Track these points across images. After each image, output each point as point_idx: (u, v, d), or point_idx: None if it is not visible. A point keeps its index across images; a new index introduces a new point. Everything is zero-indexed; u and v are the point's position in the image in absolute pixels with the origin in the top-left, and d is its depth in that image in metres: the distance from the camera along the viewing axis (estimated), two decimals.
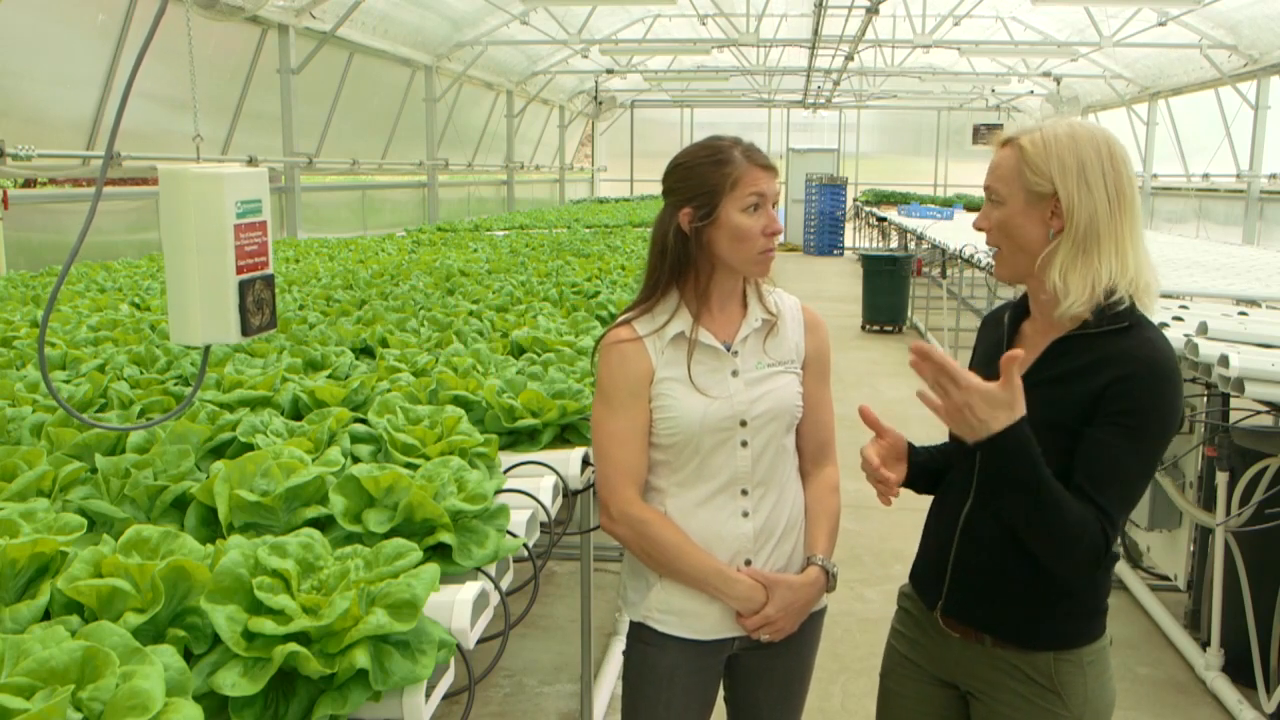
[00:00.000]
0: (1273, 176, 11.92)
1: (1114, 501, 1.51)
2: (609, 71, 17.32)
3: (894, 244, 15.29)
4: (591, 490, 2.27)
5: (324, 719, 1.21)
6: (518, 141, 16.68)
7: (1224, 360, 2.96)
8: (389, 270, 5.54)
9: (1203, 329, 3.39)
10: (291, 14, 9.09)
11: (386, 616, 1.25)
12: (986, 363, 1.74)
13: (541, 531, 1.93)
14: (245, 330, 1.68)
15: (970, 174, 21.33)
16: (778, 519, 1.82)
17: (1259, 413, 3.27)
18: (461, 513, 1.67)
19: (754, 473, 1.80)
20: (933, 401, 1.50)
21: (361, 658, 1.22)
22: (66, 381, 2.50)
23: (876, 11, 10.14)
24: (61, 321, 3.58)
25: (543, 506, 1.92)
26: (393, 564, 1.39)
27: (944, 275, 11.52)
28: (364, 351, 3.18)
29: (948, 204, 17.25)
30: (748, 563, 1.80)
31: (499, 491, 1.86)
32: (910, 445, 1.76)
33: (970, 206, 17.07)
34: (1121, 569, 4.17)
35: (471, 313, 3.75)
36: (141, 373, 2.65)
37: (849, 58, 13.85)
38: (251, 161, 8.41)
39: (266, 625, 1.22)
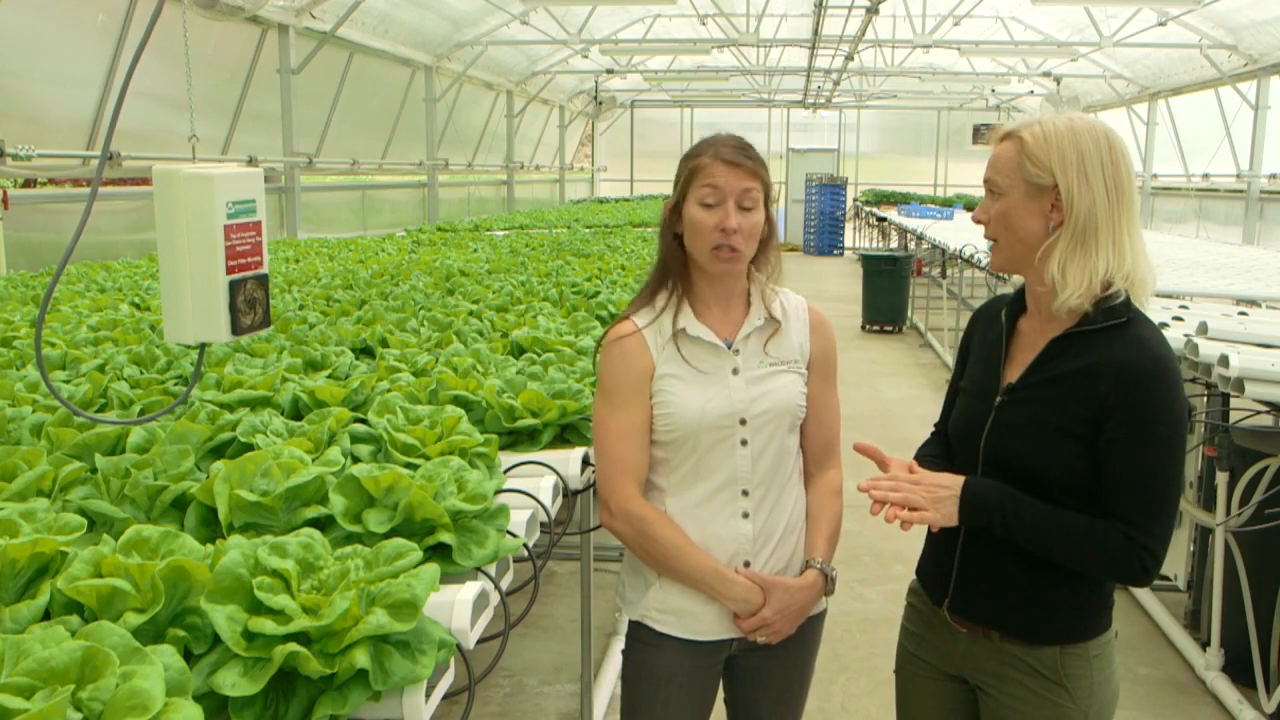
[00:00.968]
0: (1273, 176, 11.91)
1: (1136, 511, 1.53)
2: (609, 71, 17.32)
3: (894, 244, 15.29)
4: (591, 490, 2.27)
5: (324, 719, 1.21)
6: (518, 141, 16.68)
7: (1224, 360, 2.96)
8: (389, 270, 5.54)
9: (1203, 329, 3.39)
10: (291, 14, 9.09)
11: (386, 616, 1.25)
12: (985, 359, 1.74)
13: (541, 531, 1.93)
14: (236, 329, 1.69)
15: (970, 174, 21.32)
16: (778, 521, 1.82)
17: (1259, 413, 3.27)
18: (461, 513, 1.67)
19: (754, 473, 1.79)
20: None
21: (361, 658, 1.22)
22: (66, 381, 2.50)
23: (876, 11, 10.14)
24: (61, 321, 3.58)
25: (543, 506, 1.92)
26: (393, 564, 1.39)
27: (944, 275, 11.52)
28: (364, 351, 3.18)
29: (948, 204, 17.24)
30: (746, 564, 1.80)
31: (499, 491, 1.86)
32: (916, 462, 1.76)
33: (970, 206, 17.05)
34: None
35: (471, 313, 3.74)
36: (141, 373, 2.65)
37: (849, 58, 13.85)
38: (251, 161, 8.41)
39: (266, 625, 1.22)
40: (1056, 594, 1.63)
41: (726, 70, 17.37)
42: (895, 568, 4.44)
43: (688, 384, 1.78)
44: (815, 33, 12.38)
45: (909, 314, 11.15)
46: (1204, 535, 3.63)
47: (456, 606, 1.42)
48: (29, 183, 7.64)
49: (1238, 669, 3.36)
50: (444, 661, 1.33)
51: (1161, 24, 11.68)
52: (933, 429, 1.89)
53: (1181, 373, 1.73)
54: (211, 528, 1.63)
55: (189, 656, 1.24)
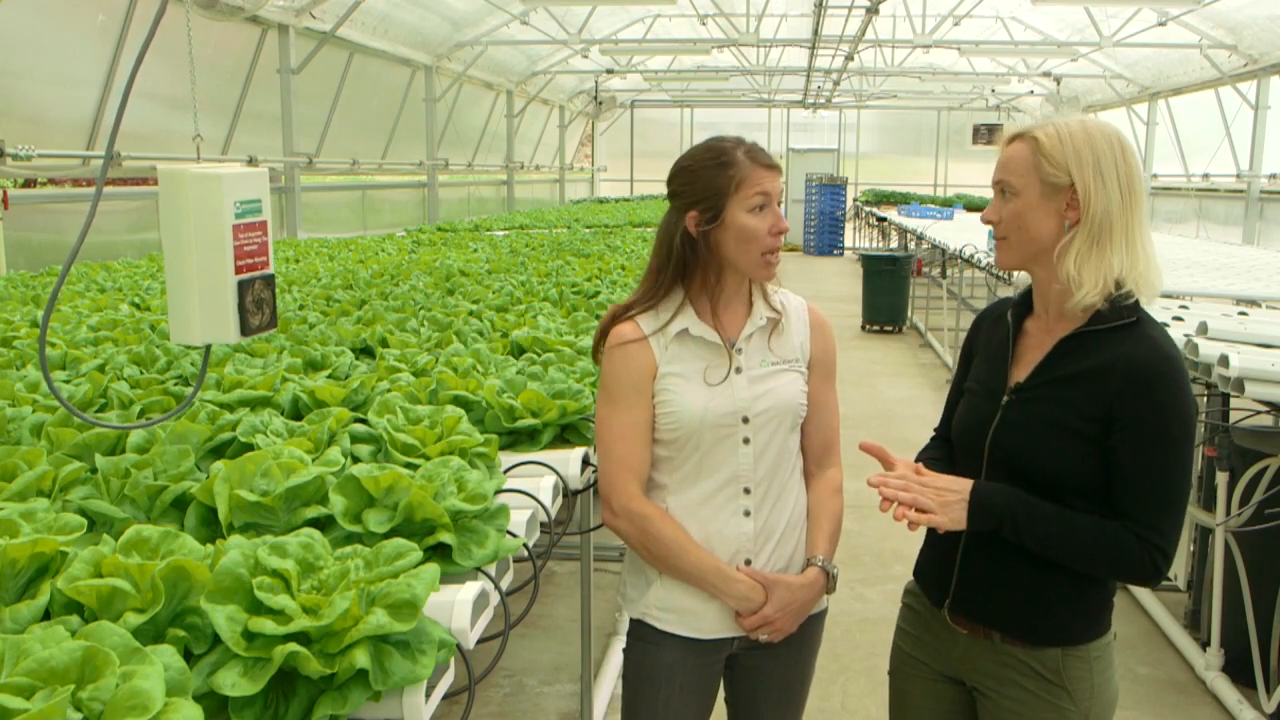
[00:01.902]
0: (1273, 176, 11.91)
1: (1147, 511, 1.54)
2: (609, 71, 17.32)
3: (894, 244, 15.29)
4: (591, 490, 2.27)
5: (324, 719, 1.21)
6: (518, 141, 16.68)
7: (1224, 360, 2.96)
8: (389, 270, 5.54)
9: (1203, 329, 3.39)
10: (291, 14, 9.10)
11: (386, 616, 1.25)
12: (991, 360, 1.74)
13: (541, 531, 1.93)
14: (244, 330, 1.67)
15: (970, 174, 21.33)
16: (779, 519, 1.82)
17: (1259, 413, 3.27)
18: (461, 513, 1.67)
19: (756, 471, 1.80)
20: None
21: (361, 658, 1.22)
22: (66, 381, 2.50)
23: (876, 11, 10.14)
24: (61, 321, 3.58)
25: (543, 506, 1.92)
26: (393, 564, 1.39)
27: (944, 275, 11.52)
28: (364, 351, 3.18)
29: (948, 204, 17.23)
30: (748, 562, 1.80)
31: (499, 491, 1.86)
32: (921, 464, 1.76)
33: (970, 206, 17.07)
34: None
35: (471, 313, 3.74)
36: (141, 373, 2.65)
37: (849, 58, 13.85)
38: (252, 161, 8.41)
39: (266, 625, 1.22)
40: (1059, 595, 1.63)
41: (726, 70, 17.38)
42: (895, 568, 4.44)
43: (691, 383, 1.78)
44: (815, 33, 12.38)
45: (909, 314, 11.15)
46: (1204, 535, 3.63)
47: (456, 606, 1.42)
48: (29, 183, 7.65)
49: (1238, 669, 3.36)
50: (444, 661, 1.33)
51: (1161, 24, 11.68)
52: (933, 433, 1.89)
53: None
54: (211, 528, 1.63)
55: (189, 656, 1.24)
